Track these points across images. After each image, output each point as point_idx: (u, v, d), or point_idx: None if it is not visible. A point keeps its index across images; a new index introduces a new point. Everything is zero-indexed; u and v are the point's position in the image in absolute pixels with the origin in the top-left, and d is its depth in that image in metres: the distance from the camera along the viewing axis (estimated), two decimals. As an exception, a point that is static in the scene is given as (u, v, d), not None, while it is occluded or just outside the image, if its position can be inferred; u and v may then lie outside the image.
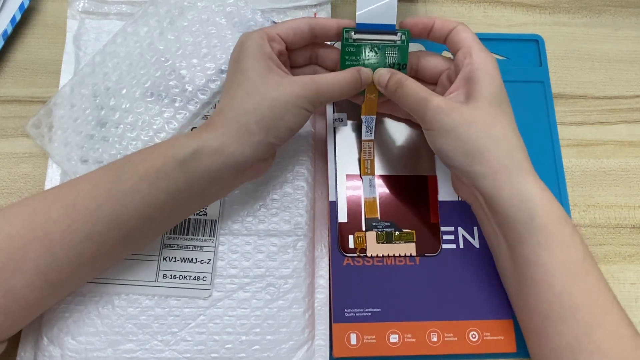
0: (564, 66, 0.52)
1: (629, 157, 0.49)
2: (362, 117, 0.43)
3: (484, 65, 0.38)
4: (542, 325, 0.35)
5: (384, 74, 0.40)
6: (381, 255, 0.42)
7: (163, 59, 0.42)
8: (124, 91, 0.42)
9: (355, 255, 0.42)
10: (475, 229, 0.44)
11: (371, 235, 0.43)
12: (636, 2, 0.55)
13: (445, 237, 0.43)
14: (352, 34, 0.41)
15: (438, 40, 0.41)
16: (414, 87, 0.39)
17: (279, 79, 0.38)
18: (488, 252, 0.42)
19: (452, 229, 0.44)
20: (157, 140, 0.42)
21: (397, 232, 0.43)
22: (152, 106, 0.42)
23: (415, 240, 0.42)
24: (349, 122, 0.45)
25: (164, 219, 0.37)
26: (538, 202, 0.36)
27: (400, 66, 0.41)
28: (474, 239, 0.43)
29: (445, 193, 0.44)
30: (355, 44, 0.41)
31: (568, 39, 0.53)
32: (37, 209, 0.34)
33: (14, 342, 0.39)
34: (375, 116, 0.42)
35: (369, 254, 0.42)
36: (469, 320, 0.41)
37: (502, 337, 0.41)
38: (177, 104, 0.42)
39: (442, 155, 0.39)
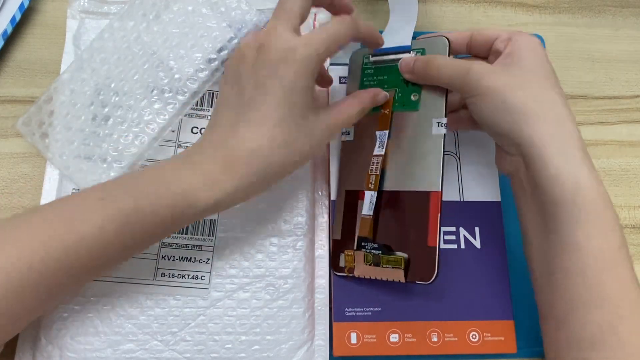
0: (564, 66, 0.52)
1: (629, 157, 0.49)
2: (377, 132, 0.41)
3: (526, 43, 0.37)
4: (566, 313, 0.34)
5: (408, 60, 0.40)
6: (369, 277, 0.40)
7: (150, 52, 0.42)
8: (113, 85, 0.42)
9: (344, 274, 0.41)
10: (476, 229, 0.43)
11: (359, 255, 0.41)
12: (636, 2, 0.55)
13: (446, 237, 0.43)
14: (371, 57, 0.42)
15: (480, 52, 0.41)
16: (447, 58, 0.38)
17: (311, 126, 0.35)
18: (489, 252, 0.42)
19: (453, 229, 0.43)
20: (148, 131, 0.41)
21: (385, 256, 0.39)
22: (141, 98, 0.42)
23: (403, 266, 0.38)
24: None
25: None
26: (584, 179, 0.34)
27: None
28: (475, 239, 0.43)
29: (446, 193, 0.44)
30: (373, 66, 0.43)
31: (568, 39, 0.53)
32: (34, 245, 0.32)
33: (12, 342, 0.38)
34: (387, 131, 0.41)
35: (356, 275, 0.40)
36: (469, 320, 0.41)
37: (502, 338, 0.41)
38: (166, 95, 0.42)
39: (488, 122, 0.37)
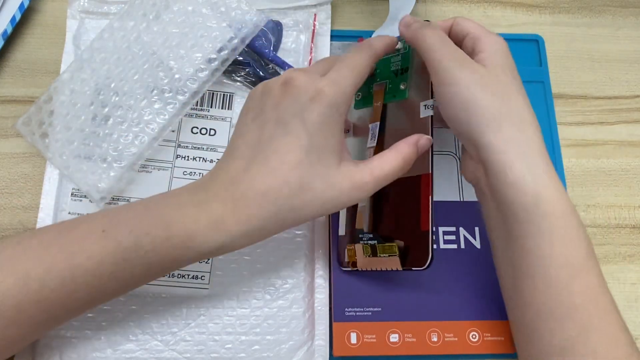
0: (564, 66, 0.52)
1: (629, 157, 0.49)
2: (369, 125, 0.42)
3: (494, 45, 0.36)
4: (535, 323, 0.33)
5: (409, 19, 0.38)
6: (371, 270, 0.40)
7: (150, 52, 0.42)
8: (113, 85, 0.42)
9: (349, 269, 0.41)
10: (476, 229, 0.43)
11: (359, 248, 0.40)
12: (636, 2, 0.55)
13: (446, 237, 0.43)
14: None
15: (458, 43, 0.39)
16: (438, 35, 0.36)
17: (340, 169, 0.33)
18: (489, 252, 0.42)
19: (453, 229, 0.43)
20: (148, 131, 0.41)
21: (381, 245, 0.38)
22: (141, 98, 0.42)
23: (398, 254, 0.37)
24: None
25: None
26: (546, 187, 0.33)
27: (403, 70, 0.41)
28: (475, 240, 0.43)
29: (446, 193, 0.44)
30: None
31: (568, 39, 0.53)
32: (30, 273, 0.31)
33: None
34: (379, 122, 0.41)
35: (359, 268, 0.40)
36: (469, 320, 0.41)
37: (502, 338, 0.41)
38: (166, 95, 0.42)
39: (452, 119, 0.35)
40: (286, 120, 0.32)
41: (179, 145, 0.45)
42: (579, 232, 0.33)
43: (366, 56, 0.36)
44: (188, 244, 0.31)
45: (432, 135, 0.37)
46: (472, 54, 0.36)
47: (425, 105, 0.38)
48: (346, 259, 0.41)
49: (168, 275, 0.41)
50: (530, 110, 0.35)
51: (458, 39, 0.38)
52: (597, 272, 0.33)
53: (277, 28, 0.48)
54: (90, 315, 0.39)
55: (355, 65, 0.35)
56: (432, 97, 0.38)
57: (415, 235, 0.37)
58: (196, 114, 0.45)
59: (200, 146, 0.45)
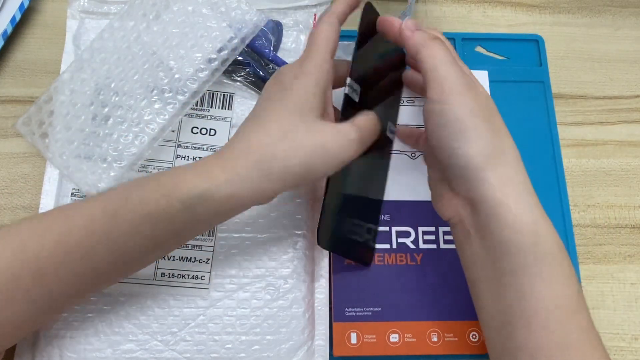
0: (564, 66, 0.52)
1: (629, 157, 0.49)
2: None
3: (464, 83, 0.34)
4: None
5: (411, 23, 0.37)
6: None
7: (150, 52, 0.42)
8: (113, 85, 0.42)
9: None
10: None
11: None
12: (636, 2, 0.55)
13: (446, 237, 0.43)
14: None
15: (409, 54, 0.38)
16: (442, 50, 0.35)
17: (323, 123, 0.34)
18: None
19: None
20: (148, 131, 0.41)
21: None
22: (141, 98, 0.42)
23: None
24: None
25: (163, 252, 0.36)
26: (542, 227, 0.32)
27: None
28: (474, 239, 0.43)
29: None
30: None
31: (568, 39, 0.53)
32: (27, 242, 0.32)
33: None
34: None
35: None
36: (469, 320, 0.41)
37: (502, 337, 0.41)
38: (166, 95, 0.42)
39: (443, 144, 0.34)
40: (277, 96, 0.35)
41: (179, 145, 0.45)
42: (570, 269, 0.33)
43: (326, 24, 0.36)
44: (174, 191, 0.32)
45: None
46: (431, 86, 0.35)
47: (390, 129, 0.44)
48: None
49: (168, 275, 0.41)
50: (515, 147, 0.34)
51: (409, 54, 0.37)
52: (586, 308, 0.33)
53: (277, 28, 0.48)
54: (90, 315, 0.39)
55: (318, 37, 0.36)
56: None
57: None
58: (196, 114, 0.45)
59: (200, 146, 0.45)
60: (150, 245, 0.33)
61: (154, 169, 0.44)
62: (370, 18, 0.40)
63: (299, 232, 0.43)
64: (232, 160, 0.33)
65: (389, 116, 0.45)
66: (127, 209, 0.32)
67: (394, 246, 0.43)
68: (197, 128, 0.45)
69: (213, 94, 0.46)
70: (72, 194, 0.43)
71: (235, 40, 0.42)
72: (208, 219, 0.33)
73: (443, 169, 0.36)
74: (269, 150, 0.32)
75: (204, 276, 0.41)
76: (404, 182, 0.45)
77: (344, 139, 0.34)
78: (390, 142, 0.45)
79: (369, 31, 0.40)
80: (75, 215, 0.33)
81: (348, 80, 0.39)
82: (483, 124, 0.33)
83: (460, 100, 0.34)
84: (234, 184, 0.32)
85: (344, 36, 0.49)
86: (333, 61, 0.36)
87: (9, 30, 0.48)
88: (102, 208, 0.32)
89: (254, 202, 0.34)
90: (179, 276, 0.41)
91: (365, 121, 0.36)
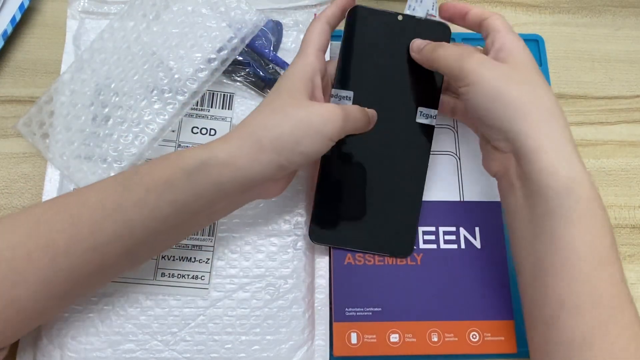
0: (564, 66, 0.52)
1: (629, 157, 0.49)
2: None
3: (514, 40, 0.38)
4: (556, 314, 0.33)
5: (420, 42, 0.41)
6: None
7: (150, 52, 0.42)
8: (113, 85, 0.42)
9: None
10: (476, 229, 0.43)
11: None
12: (636, 2, 0.55)
13: (446, 237, 0.43)
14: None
15: (471, 27, 0.41)
16: (452, 46, 0.40)
17: (309, 102, 0.37)
18: (489, 252, 0.42)
19: (453, 229, 0.43)
20: (148, 131, 0.41)
21: None
22: (141, 98, 0.42)
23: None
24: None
25: (168, 233, 0.36)
26: (579, 175, 0.33)
27: None
28: (475, 240, 0.43)
29: (446, 193, 0.44)
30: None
31: (568, 39, 0.53)
32: (40, 219, 0.34)
33: (13, 342, 0.38)
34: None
35: None
36: (469, 320, 0.41)
37: (502, 338, 0.41)
38: (166, 95, 0.42)
39: (481, 112, 0.37)
40: (273, 88, 0.38)
41: (179, 145, 0.45)
42: (606, 221, 0.34)
43: (315, 23, 0.40)
44: (177, 162, 0.35)
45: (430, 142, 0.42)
46: (496, 49, 0.38)
47: (422, 113, 0.42)
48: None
49: (168, 275, 0.41)
50: (557, 102, 0.36)
51: (485, 37, 0.40)
52: (619, 263, 0.33)
53: (277, 28, 0.48)
54: (90, 315, 0.39)
55: (307, 36, 0.40)
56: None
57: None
58: (196, 114, 0.45)
59: (200, 146, 0.45)
60: (155, 223, 0.34)
61: (154, 169, 0.44)
62: (364, 20, 0.42)
63: (299, 232, 0.43)
64: (229, 135, 0.36)
65: (420, 102, 0.43)
66: (135, 181, 0.34)
67: (394, 246, 0.43)
68: (197, 128, 0.45)
69: (213, 94, 0.46)
70: (72, 194, 0.43)
71: (235, 40, 0.42)
72: (208, 190, 0.35)
73: (487, 129, 0.38)
74: (261, 122, 0.36)
75: (204, 276, 0.41)
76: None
77: (327, 113, 0.36)
78: (426, 129, 0.43)
79: (361, 34, 0.42)
80: (88, 192, 0.35)
81: (332, 91, 0.42)
82: (507, 85, 0.36)
83: (482, 75, 0.37)
84: (230, 152, 0.35)
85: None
86: (323, 55, 0.40)
87: (9, 30, 0.48)
88: (113, 182, 0.35)
89: (255, 174, 0.35)
90: (179, 276, 0.41)
91: (352, 107, 0.39)
